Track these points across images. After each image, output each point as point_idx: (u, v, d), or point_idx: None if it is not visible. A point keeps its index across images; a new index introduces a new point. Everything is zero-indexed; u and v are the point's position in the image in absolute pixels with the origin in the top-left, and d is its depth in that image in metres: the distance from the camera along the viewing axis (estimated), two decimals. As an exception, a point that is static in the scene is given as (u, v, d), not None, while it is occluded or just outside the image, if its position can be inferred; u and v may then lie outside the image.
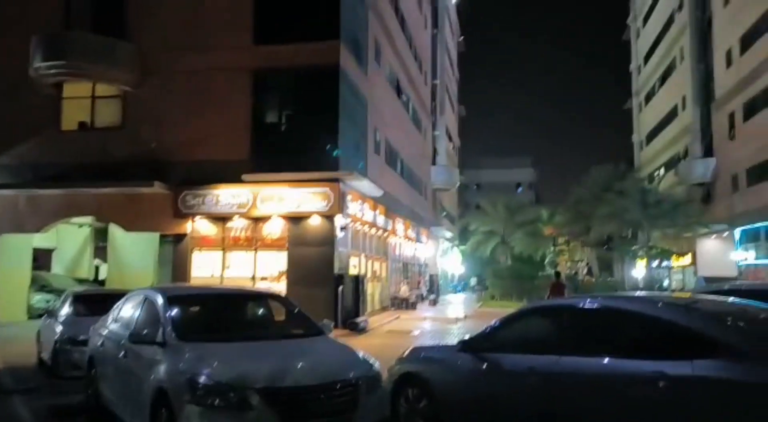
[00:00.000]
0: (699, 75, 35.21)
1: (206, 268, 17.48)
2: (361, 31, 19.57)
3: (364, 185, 18.35)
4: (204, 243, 17.53)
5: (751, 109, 28.70)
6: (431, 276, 35.77)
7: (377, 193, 19.75)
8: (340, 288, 16.50)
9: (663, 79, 43.06)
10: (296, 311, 5.92)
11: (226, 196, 17.00)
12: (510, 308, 24.79)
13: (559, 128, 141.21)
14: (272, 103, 17.68)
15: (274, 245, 17.20)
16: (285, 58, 16.95)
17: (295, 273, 16.66)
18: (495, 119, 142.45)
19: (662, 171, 42.43)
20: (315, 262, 16.53)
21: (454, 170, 40.81)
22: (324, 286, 16.35)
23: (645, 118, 48.46)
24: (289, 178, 16.67)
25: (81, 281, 20.65)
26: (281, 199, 16.76)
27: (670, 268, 38.46)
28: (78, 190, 17.25)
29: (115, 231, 18.63)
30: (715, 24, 33.18)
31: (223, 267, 17.42)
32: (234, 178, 16.72)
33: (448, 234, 41.85)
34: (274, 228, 17.13)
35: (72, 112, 18.30)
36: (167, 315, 5.00)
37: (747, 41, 29.01)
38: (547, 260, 42.71)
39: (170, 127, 17.37)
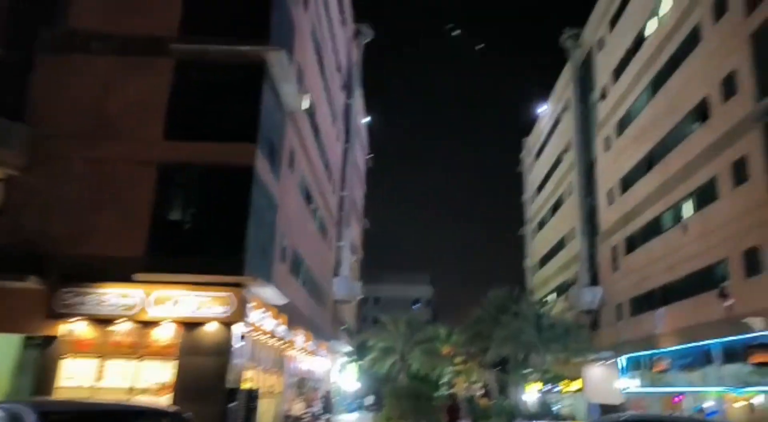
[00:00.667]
0: (585, 209, 38.30)
1: (77, 378, 15.40)
2: (277, 136, 19.64)
3: (269, 292, 17.50)
4: (79, 348, 15.56)
5: (631, 245, 31.22)
6: (326, 393, 33.93)
7: (281, 301, 18.87)
8: (232, 404, 15.01)
9: (554, 209, 46.47)
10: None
11: (112, 295, 15.46)
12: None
13: (457, 248, 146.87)
14: (177, 199, 16.88)
15: (161, 353, 15.58)
16: (197, 155, 16.47)
17: (182, 385, 15.06)
18: (397, 235, 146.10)
19: (554, 296, 44.46)
20: (207, 374, 15.08)
21: (357, 283, 40.50)
22: (213, 402, 14.81)
23: (537, 245, 51.48)
24: (188, 280, 15.54)
25: None
26: (176, 303, 15.49)
27: (560, 393, 39.08)
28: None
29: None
30: (598, 165, 36.79)
31: (98, 377, 15.42)
32: (124, 276, 15.36)
33: (347, 349, 40.55)
34: (164, 334, 15.63)
35: (-55, 191, 16.43)
36: (38, 438, 4.01)
37: (626, 183, 32.19)
38: (444, 380, 42.14)
39: (59, 217, 15.96)
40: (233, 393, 15.18)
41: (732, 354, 21.69)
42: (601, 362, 33.81)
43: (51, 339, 15.38)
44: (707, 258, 23.13)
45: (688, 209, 25.19)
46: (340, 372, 41.25)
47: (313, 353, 28.69)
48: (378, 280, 74.74)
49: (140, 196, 16.20)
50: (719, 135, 22.30)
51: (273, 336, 19.93)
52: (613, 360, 32.86)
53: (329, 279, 34.74)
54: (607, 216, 34.75)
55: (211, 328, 15.49)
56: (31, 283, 15.15)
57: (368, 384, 50.04)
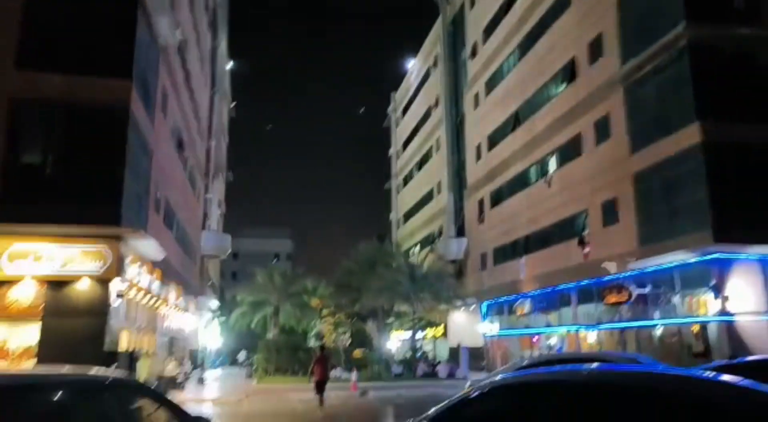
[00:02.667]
0: (453, 164, 39.82)
1: None
2: (151, 74, 17.68)
3: (148, 246, 16.00)
4: None
5: (497, 198, 33.10)
6: (193, 351, 32.61)
7: (159, 255, 17.40)
8: (112, 368, 13.66)
9: (421, 164, 47.79)
10: (164, 405, 4.30)
11: (-43, 250, 13.17)
12: (289, 384, 23.59)
13: (320, 201, 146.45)
14: (37, 140, 14.58)
15: (23, 315, 13.68)
16: (60, 90, 14.27)
17: (50, 350, 13.35)
18: (257, 188, 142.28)
19: (418, 248, 46.15)
20: (80, 336, 13.53)
21: (226, 236, 38.75)
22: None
23: (403, 199, 52.87)
24: (54, 232, 13.67)
25: None
26: (39, 257, 13.60)
27: (422, 339, 41.15)
28: None
29: None
30: (466, 122, 38.20)
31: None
32: (-28, 228, 13.12)
33: (214, 305, 39.06)
34: (26, 294, 13.70)
35: None
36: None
37: (493, 140, 33.82)
38: (313, 332, 42.42)
39: None
40: (113, 356, 13.84)
41: (586, 296, 24.11)
42: (462, 308, 36.01)
43: None
44: (568, 210, 25.17)
45: (552, 165, 27.09)
46: (206, 328, 39.76)
47: (183, 310, 27.22)
48: (237, 235, 72.70)
49: (-11, 135, 13.77)
50: (585, 95, 24.02)
51: (148, 294, 18.44)
52: (475, 306, 35.14)
53: (198, 233, 32.86)
54: (474, 171, 36.41)
55: (83, 286, 13.87)
56: None
57: (236, 340, 49.04)
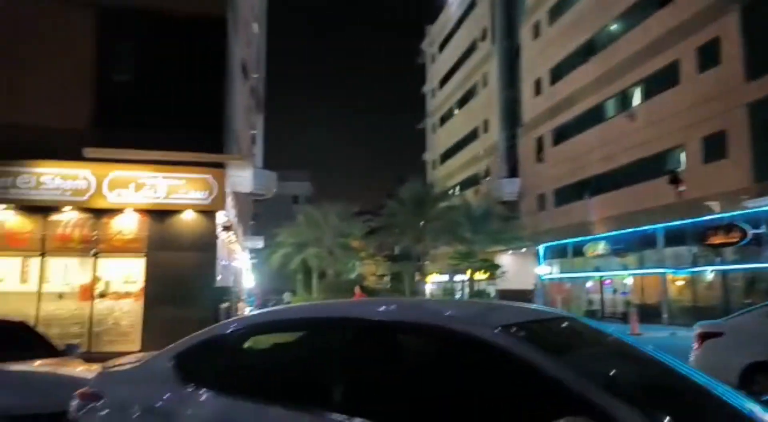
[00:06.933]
0: (505, 100, 37.81)
1: (9, 280, 11.98)
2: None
3: (243, 175, 14.60)
4: (10, 242, 11.95)
5: (561, 135, 31.34)
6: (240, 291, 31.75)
7: (248, 187, 16.06)
8: (224, 305, 12.57)
9: (462, 102, 45.66)
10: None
11: (53, 177, 11.80)
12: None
13: (342, 143, 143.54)
14: (128, 54, 12.93)
15: (126, 249, 12.45)
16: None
17: (156, 287, 12.19)
18: (278, 128, 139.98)
19: (458, 189, 44.55)
20: (188, 272, 12.31)
21: (272, 174, 37.23)
22: (199, 304, 12.19)
23: (440, 138, 50.96)
24: (155, 158, 12.21)
25: None
26: (141, 186, 12.20)
27: (463, 282, 40.26)
28: None
29: None
30: (524, 54, 35.92)
31: (42, 280, 12.05)
32: (68, 152, 11.71)
33: (259, 244, 38.07)
34: (127, 225, 12.42)
35: None
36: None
37: (557, 73, 31.75)
38: (354, 274, 41.70)
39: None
40: (224, 293, 12.70)
41: (676, 237, 22.79)
42: (511, 251, 34.79)
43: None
44: (656, 145, 23.52)
45: (636, 97, 25.25)
46: (249, 269, 38.97)
47: (242, 248, 26.18)
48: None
49: (80, 48, 12.21)
50: (686, 17, 21.93)
51: (229, 228, 17.20)
52: (526, 248, 33.84)
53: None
54: (532, 107, 34.48)
55: (188, 217, 12.56)
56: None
57: (266, 282, 48.41)
